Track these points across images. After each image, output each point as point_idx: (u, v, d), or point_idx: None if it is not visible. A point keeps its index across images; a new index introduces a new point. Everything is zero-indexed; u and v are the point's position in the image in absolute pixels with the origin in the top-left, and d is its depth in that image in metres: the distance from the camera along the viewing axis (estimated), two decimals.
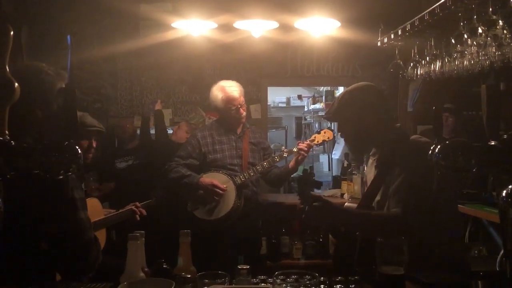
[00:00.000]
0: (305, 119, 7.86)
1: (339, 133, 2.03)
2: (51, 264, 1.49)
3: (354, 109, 1.96)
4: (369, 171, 2.10)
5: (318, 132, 3.61)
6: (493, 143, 1.19)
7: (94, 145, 2.85)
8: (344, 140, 2.12)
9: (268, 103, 5.99)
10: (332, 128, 6.48)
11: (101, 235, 2.79)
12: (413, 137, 1.95)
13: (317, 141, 3.50)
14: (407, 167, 1.81)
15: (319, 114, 6.88)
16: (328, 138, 3.56)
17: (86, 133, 2.79)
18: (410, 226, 1.71)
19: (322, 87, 7.14)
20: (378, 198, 1.93)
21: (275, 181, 3.58)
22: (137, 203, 3.14)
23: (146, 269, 1.52)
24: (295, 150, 3.37)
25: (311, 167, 5.46)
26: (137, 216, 3.08)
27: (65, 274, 1.54)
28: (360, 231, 1.88)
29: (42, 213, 1.41)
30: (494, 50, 2.19)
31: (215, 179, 3.25)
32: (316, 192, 6.28)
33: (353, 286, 1.46)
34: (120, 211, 3.03)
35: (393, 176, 1.86)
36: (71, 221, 1.47)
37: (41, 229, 1.43)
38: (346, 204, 2.10)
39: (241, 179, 3.28)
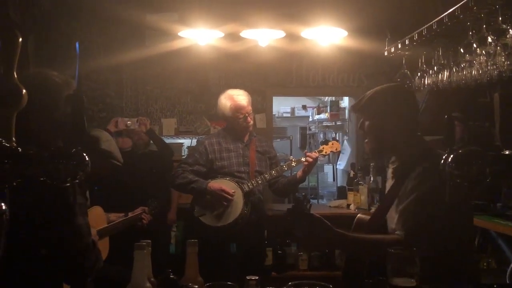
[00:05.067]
0: (310, 129, 7.84)
1: (363, 129, 1.90)
2: (51, 270, 1.48)
3: (384, 106, 1.84)
4: (389, 182, 1.97)
5: (326, 143, 3.59)
6: (507, 152, 1.16)
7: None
8: (366, 138, 1.94)
9: (273, 113, 5.98)
10: (338, 139, 6.49)
11: (104, 244, 2.77)
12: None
13: (325, 152, 3.49)
14: (420, 185, 1.69)
15: (324, 124, 6.88)
16: (336, 149, 3.55)
17: (101, 161, 2.70)
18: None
19: (327, 97, 7.13)
20: (397, 215, 1.77)
21: (282, 191, 3.54)
22: (146, 208, 3.14)
23: (152, 279, 1.50)
24: (303, 160, 3.35)
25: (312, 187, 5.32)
26: (144, 221, 3.09)
27: (63, 279, 1.52)
28: (356, 255, 1.79)
29: (40, 218, 1.40)
30: (503, 59, 2.18)
31: (223, 185, 3.24)
32: (321, 203, 6.27)
33: None
34: (125, 218, 3.03)
35: (406, 191, 1.74)
36: (69, 226, 1.45)
37: (40, 235, 1.41)
38: (358, 216, 2.01)
39: (248, 187, 3.27)
